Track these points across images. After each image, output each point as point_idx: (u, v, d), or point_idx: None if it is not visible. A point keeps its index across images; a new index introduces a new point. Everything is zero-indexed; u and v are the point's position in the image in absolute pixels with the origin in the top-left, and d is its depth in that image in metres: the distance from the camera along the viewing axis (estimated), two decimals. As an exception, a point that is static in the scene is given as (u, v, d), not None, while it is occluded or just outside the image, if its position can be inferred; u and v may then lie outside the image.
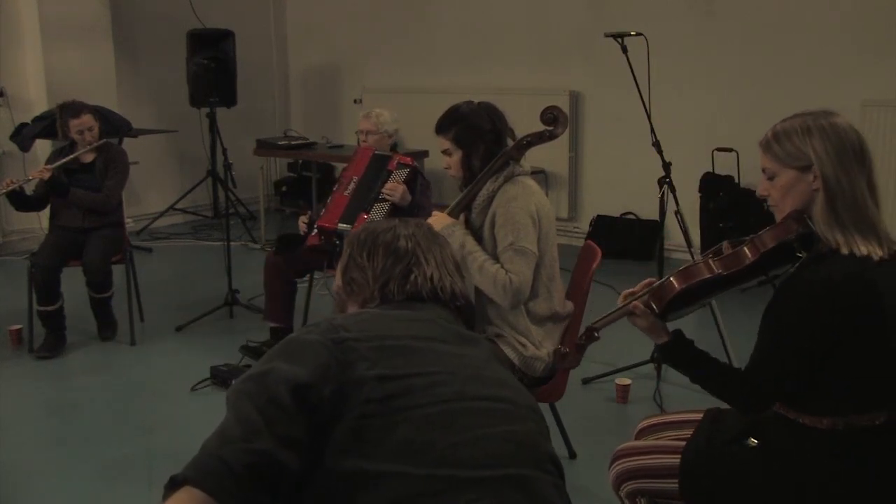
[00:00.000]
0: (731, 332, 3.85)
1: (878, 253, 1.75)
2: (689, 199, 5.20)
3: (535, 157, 6.39)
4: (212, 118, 6.88)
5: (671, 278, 1.90)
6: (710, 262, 1.88)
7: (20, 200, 4.45)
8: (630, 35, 3.69)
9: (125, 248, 4.63)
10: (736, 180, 5.52)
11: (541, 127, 2.73)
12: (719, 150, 5.51)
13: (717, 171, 5.60)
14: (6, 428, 3.60)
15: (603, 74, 6.05)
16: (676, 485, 1.97)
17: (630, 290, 1.99)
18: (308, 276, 4.39)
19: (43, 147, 6.40)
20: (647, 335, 1.98)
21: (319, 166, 7.48)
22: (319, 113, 8.17)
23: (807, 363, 1.76)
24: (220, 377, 3.91)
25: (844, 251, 1.74)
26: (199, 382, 3.91)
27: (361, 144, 4.27)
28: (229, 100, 6.96)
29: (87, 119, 4.46)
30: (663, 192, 3.71)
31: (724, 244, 1.92)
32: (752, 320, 1.93)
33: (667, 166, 3.76)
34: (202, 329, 4.71)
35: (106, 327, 4.57)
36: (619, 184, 6.25)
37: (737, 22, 5.63)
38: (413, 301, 1.54)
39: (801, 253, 1.81)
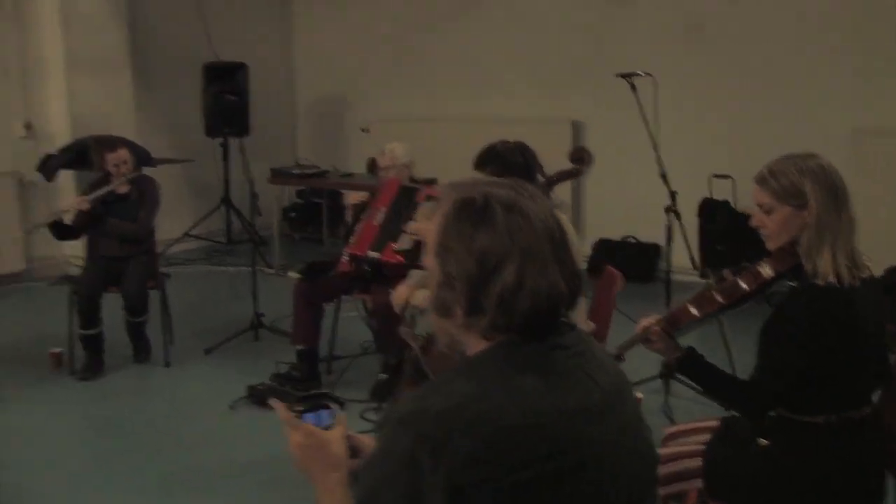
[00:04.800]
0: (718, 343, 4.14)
1: (855, 276, 2.06)
2: (688, 223, 5.50)
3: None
4: (225, 148, 7.20)
5: (688, 306, 2.20)
6: (717, 291, 2.18)
7: (61, 230, 4.69)
8: (639, 75, 3.99)
9: (159, 275, 4.88)
10: (732, 205, 5.83)
11: (569, 165, 3.02)
12: (717, 176, 5.83)
13: (714, 196, 5.91)
14: (54, 446, 3.83)
15: (603, 104, 6.37)
16: (702, 485, 2.25)
17: (647, 319, 2.27)
18: (335, 301, 4.64)
19: (66, 178, 6.66)
20: (661, 354, 2.27)
21: (329, 193, 7.76)
22: (327, 142, 8.45)
23: (804, 374, 2.06)
24: (256, 396, 4.15)
25: (830, 278, 2.04)
26: (237, 400, 4.15)
27: (385, 178, 4.53)
28: (242, 130, 7.24)
29: (124, 153, 4.72)
30: (670, 220, 4.00)
31: (725, 272, 2.22)
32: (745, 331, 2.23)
33: (673, 195, 4.05)
34: (230, 351, 4.95)
35: (141, 350, 4.81)
36: (620, 208, 6.55)
37: (729, 55, 5.97)
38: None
39: (793, 282, 2.12)
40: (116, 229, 4.68)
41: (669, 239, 4.12)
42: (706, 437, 2.35)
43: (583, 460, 1.27)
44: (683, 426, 2.55)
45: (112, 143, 4.73)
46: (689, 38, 6.07)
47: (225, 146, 7.36)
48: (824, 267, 2.04)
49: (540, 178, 3.07)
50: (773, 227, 2.13)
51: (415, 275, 3.53)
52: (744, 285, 2.14)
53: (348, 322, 4.91)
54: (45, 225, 4.64)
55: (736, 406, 2.20)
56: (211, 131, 7.22)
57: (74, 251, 6.80)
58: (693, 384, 2.27)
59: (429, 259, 1.41)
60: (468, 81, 7.41)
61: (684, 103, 6.06)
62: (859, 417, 2.11)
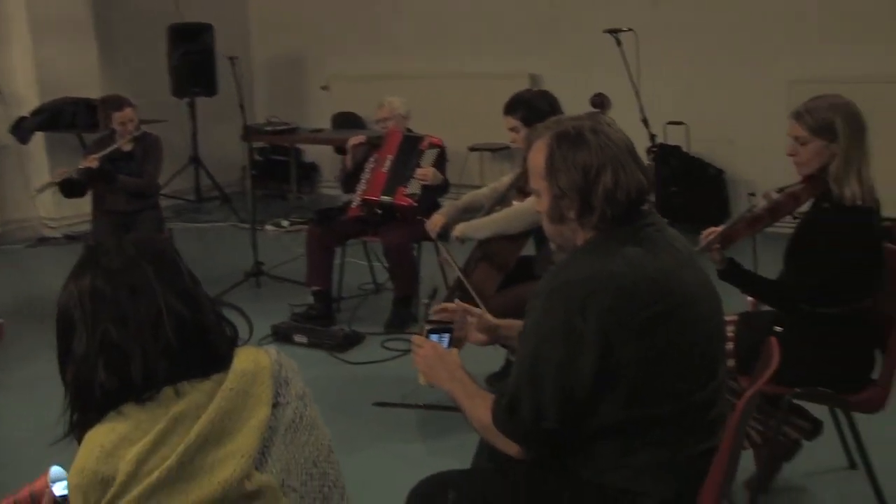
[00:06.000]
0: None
1: (873, 199, 2.55)
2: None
3: (501, 135, 7.14)
4: (193, 107, 7.36)
5: (740, 225, 2.67)
6: (762, 213, 2.65)
7: (70, 187, 4.86)
8: (624, 31, 4.43)
9: (165, 228, 5.12)
10: (685, 149, 6.38)
11: (590, 109, 3.44)
12: (670, 123, 6.34)
13: (667, 143, 6.44)
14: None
15: (559, 58, 6.81)
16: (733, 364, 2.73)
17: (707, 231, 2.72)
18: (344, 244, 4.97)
19: (37, 140, 6.72)
20: (715, 264, 2.72)
21: (291, 150, 8.00)
22: (286, 100, 8.63)
23: (829, 275, 2.55)
24: (280, 333, 4.48)
25: (854, 202, 2.51)
26: (264, 338, 4.47)
27: (386, 129, 4.86)
28: (211, 90, 7.40)
29: (129, 112, 4.91)
30: (654, 161, 4.48)
31: (768, 193, 2.69)
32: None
33: (653, 137, 4.53)
34: (235, 298, 5.22)
35: (154, 300, 5.05)
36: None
37: (679, 13, 6.47)
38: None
39: (825, 203, 2.59)
40: (126, 185, 4.89)
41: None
42: (731, 328, 2.83)
43: (681, 301, 1.69)
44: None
45: (118, 102, 4.91)
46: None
47: (192, 106, 7.51)
48: (851, 191, 2.51)
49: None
50: (806, 156, 2.58)
51: (447, 205, 3.89)
52: (786, 205, 2.61)
53: (347, 266, 5.26)
54: (56, 183, 4.81)
55: (772, 302, 2.69)
56: (178, 92, 7.36)
57: (48, 212, 6.91)
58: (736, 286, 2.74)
59: (538, 182, 1.82)
60: (426, 39, 7.72)
61: (640, 56, 6.53)
62: (862, 308, 2.61)
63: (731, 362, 2.72)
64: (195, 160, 7.57)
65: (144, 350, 1.18)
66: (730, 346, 2.73)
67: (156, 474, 1.12)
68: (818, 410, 2.88)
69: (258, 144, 8.32)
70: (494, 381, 4.18)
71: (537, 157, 1.80)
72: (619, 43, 4.48)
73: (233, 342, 1.27)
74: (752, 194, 2.73)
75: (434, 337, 2.03)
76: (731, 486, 2.09)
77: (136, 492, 1.12)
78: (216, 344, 1.24)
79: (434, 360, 1.96)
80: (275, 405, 1.23)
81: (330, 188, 8.51)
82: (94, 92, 7.01)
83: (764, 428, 2.74)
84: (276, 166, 8.28)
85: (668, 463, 1.72)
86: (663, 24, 6.47)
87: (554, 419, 1.70)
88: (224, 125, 7.87)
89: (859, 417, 2.71)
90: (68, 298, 1.24)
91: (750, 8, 6.24)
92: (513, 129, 3.49)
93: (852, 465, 3.02)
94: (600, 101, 3.40)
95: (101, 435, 1.17)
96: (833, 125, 2.53)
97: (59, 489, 1.49)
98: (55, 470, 1.54)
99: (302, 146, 8.22)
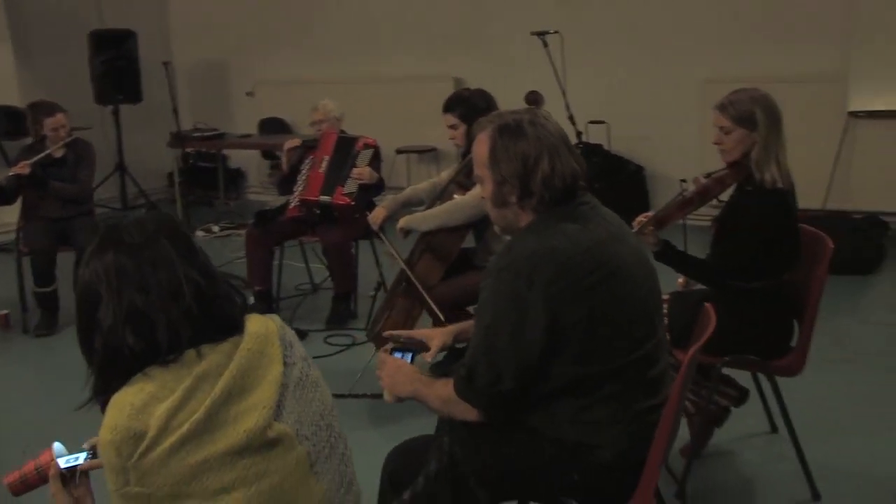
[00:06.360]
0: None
1: (789, 183, 2.80)
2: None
3: (427, 137, 7.32)
4: (117, 115, 7.30)
5: (673, 209, 2.87)
6: (692, 196, 2.87)
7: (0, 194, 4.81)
8: (551, 33, 4.64)
9: (100, 233, 5.10)
10: (606, 147, 6.65)
11: (524, 106, 3.61)
12: (592, 122, 6.61)
13: (589, 141, 6.71)
14: (19, 400, 4.07)
15: (483, 61, 7.02)
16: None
17: (641, 217, 2.93)
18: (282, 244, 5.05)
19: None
20: (650, 247, 2.92)
21: (218, 156, 7.99)
22: (210, 106, 8.61)
23: (753, 253, 2.78)
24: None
25: (774, 185, 2.75)
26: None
27: (321, 131, 4.95)
28: (136, 97, 7.36)
29: (61, 117, 4.89)
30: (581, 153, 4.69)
31: (697, 178, 2.90)
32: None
33: (579, 135, 4.75)
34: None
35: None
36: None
37: (598, 14, 6.75)
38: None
39: (748, 187, 2.83)
40: (58, 191, 4.85)
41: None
42: (664, 306, 3.04)
43: (615, 268, 1.89)
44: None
45: (50, 108, 4.87)
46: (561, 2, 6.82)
47: (116, 113, 7.45)
48: (770, 175, 2.75)
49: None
50: (730, 144, 2.81)
51: (387, 199, 4.02)
52: (713, 188, 2.83)
53: (284, 268, 5.32)
54: (-15, 191, 4.74)
55: (702, 279, 2.91)
56: (102, 99, 7.28)
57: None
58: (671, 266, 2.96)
59: (482, 170, 2.02)
60: (351, 43, 7.83)
61: (564, 58, 6.80)
62: (782, 282, 2.86)
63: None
64: (121, 168, 7.50)
65: (168, 316, 1.29)
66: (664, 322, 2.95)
67: (186, 426, 1.23)
68: (744, 380, 3.12)
69: (202, 149, 8.28)
70: (437, 370, 4.42)
71: (481, 147, 2.00)
72: (545, 45, 4.69)
73: (243, 309, 1.38)
74: (684, 180, 2.94)
75: (398, 354, 2.17)
76: (669, 453, 2.29)
77: (167, 443, 1.23)
78: (230, 310, 1.36)
79: (394, 371, 2.11)
80: (284, 365, 1.35)
81: (256, 193, 8.53)
82: (10, 99, 6.91)
83: (697, 398, 2.97)
84: (202, 173, 8.26)
85: (619, 418, 1.91)
86: (584, 26, 6.74)
87: (510, 382, 1.87)
88: (149, 132, 7.85)
89: (781, 385, 2.96)
90: (92, 274, 1.33)
91: (666, 12, 6.57)
92: (452, 126, 3.65)
93: (774, 429, 3.30)
94: (534, 99, 3.59)
95: (130, 395, 1.27)
96: (754, 115, 2.77)
97: (64, 462, 1.58)
98: (57, 445, 1.62)
99: (227, 152, 8.22)
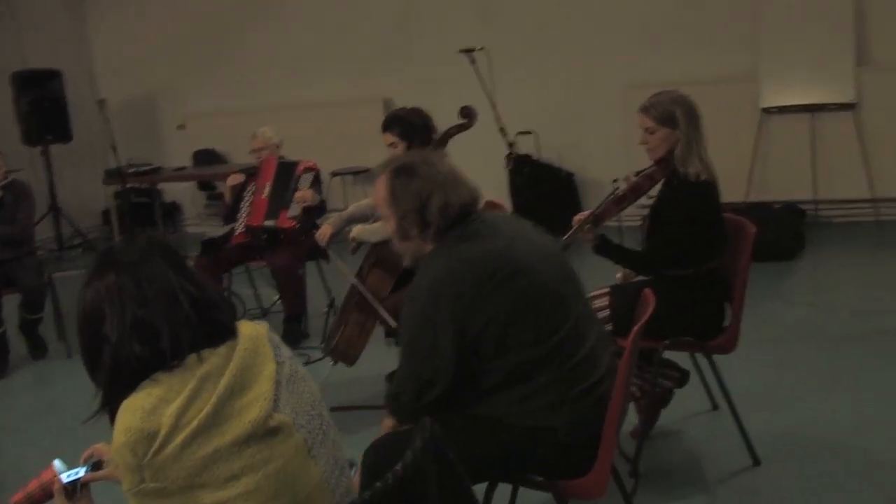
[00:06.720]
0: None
1: (711, 175, 3.02)
2: (500, 178, 6.42)
3: (360, 159, 7.43)
4: (47, 155, 7.27)
5: (610, 205, 3.07)
6: (625, 193, 3.08)
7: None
8: (477, 49, 4.85)
9: (46, 274, 5.10)
10: (535, 157, 6.89)
11: (459, 121, 3.79)
12: (520, 133, 6.83)
13: (518, 152, 6.92)
14: None
15: (409, 80, 7.20)
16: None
17: (580, 215, 3.12)
18: (230, 271, 5.13)
19: None
20: (588, 243, 3.12)
21: (152, 191, 7.99)
22: (141, 142, 8.57)
23: (683, 242, 3.00)
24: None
25: (699, 178, 2.98)
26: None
27: (261, 159, 5.05)
28: (65, 136, 7.33)
29: (-3, 160, 4.89)
30: (512, 164, 4.90)
31: (629, 176, 3.11)
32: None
33: (511, 146, 4.96)
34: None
35: (38, 347, 5.02)
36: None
37: (522, 29, 7.01)
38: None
39: (675, 181, 3.04)
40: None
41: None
42: (605, 299, 3.25)
43: (514, 266, 2.11)
44: (592, 293, 3.42)
45: (-17, 151, 4.88)
46: (485, 16, 7.05)
47: (46, 153, 7.40)
48: (694, 169, 2.97)
49: (435, 136, 3.81)
50: (655, 143, 3.03)
51: (333, 216, 4.13)
52: (643, 184, 3.04)
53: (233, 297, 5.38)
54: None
55: (639, 269, 3.13)
56: (30, 139, 7.24)
57: None
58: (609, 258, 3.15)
59: (384, 209, 2.26)
60: (277, 71, 7.93)
61: (492, 72, 7.01)
62: (712, 268, 3.07)
63: (608, 327, 3.13)
64: (54, 208, 7.45)
65: (170, 324, 1.41)
66: (606, 313, 3.14)
67: (195, 422, 1.35)
68: (684, 363, 3.34)
69: (119, 188, 8.24)
70: (391, 378, 4.55)
71: (381, 189, 2.26)
72: (473, 62, 4.89)
73: (234, 316, 1.52)
74: (616, 180, 3.16)
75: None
76: (619, 436, 2.46)
77: (179, 439, 1.35)
78: (224, 317, 1.49)
79: None
80: (275, 363, 1.49)
81: (194, 225, 8.54)
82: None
83: (642, 382, 3.17)
84: (138, 208, 8.23)
85: (563, 399, 2.10)
86: (508, 41, 6.97)
87: (437, 391, 2.11)
88: (80, 170, 7.81)
89: (719, 365, 3.17)
90: (95, 294, 1.45)
91: (588, 23, 6.88)
92: (391, 145, 3.79)
93: (715, 407, 3.52)
94: (468, 113, 3.75)
95: (140, 399, 1.39)
96: (675, 115, 2.99)
97: (66, 477, 1.68)
98: (58, 463, 1.72)
99: (162, 186, 8.21)
